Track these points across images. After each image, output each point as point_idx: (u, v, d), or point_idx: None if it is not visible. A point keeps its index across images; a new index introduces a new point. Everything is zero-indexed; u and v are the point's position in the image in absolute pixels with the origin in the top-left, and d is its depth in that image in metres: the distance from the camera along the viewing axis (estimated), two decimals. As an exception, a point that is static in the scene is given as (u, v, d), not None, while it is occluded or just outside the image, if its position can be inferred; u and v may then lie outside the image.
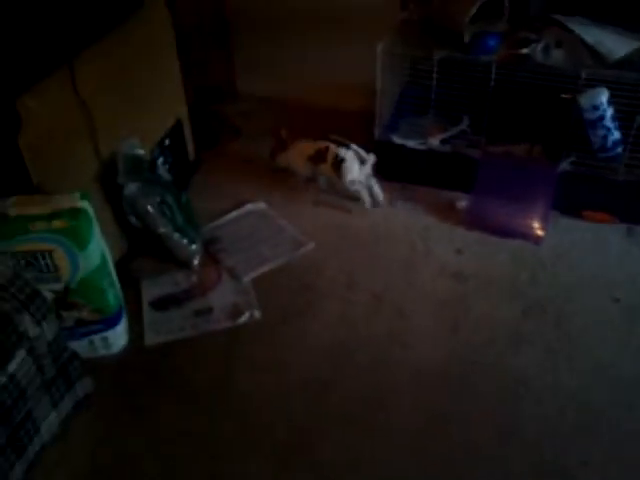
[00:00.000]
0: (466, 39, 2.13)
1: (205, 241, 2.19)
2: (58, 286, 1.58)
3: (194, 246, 2.09)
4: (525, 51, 2.08)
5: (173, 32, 2.25)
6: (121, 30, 1.90)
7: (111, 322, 1.72)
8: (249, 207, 2.36)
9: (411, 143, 2.44)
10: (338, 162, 2.24)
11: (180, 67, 2.36)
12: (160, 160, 2.33)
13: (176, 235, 2.04)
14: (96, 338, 1.73)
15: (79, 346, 1.72)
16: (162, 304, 1.95)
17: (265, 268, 2.07)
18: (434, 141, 2.35)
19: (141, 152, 2.03)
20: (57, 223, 1.46)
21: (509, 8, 2.17)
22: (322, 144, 2.33)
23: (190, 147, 2.53)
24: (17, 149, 1.52)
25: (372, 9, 2.66)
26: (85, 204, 1.52)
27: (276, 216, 2.31)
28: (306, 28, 2.87)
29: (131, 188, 1.90)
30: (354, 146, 2.29)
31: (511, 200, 2.25)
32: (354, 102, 2.86)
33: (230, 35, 3.01)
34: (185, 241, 2.07)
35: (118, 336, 1.77)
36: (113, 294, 1.69)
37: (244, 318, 1.88)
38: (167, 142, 2.37)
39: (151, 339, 1.84)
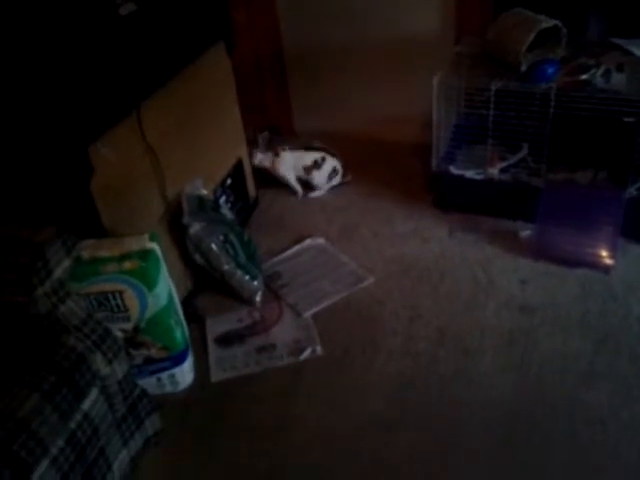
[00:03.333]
0: (523, 68, 2.11)
1: (267, 277, 2.22)
2: (128, 325, 1.63)
3: (256, 283, 2.12)
4: (585, 77, 2.03)
5: (233, 76, 2.33)
6: (184, 75, 1.98)
7: (178, 359, 1.76)
8: (308, 242, 2.39)
9: (469, 173, 2.42)
10: (335, 173, 2.63)
11: (240, 108, 2.43)
12: (222, 199, 2.40)
13: (239, 272, 2.08)
14: (164, 376, 1.77)
15: (147, 384, 1.77)
16: (226, 341, 1.98)
17: (326, 303, 2.08)
18: (493, 171, 2.32)
19: (204, 192, 2.09)
20: (127, 265, 1.52)
21: (567, 34, 2.13)
22: (317, 155, 2.61)
23: (250, 185, 2.59)
24: (89, 194, 1.59)
25: (426, 43, 2.69)
26: (154, 245, 1.58)
27: (335, 251, 2.32)
28: (361, 63, 2.93)
29: (195, 227, 1.96)
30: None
31: (577, 228, 2.18)
32: (410, 134, 2.89)
33: (287, 74, 3.09)
34: (247, 278, 2.10)
35: (185, 373, 1.80)
36: (180, 332, 1.73)
37: (306, 354, 1.89)
38: (229, 181, 2.44)
39: (217, 376, 1.86)
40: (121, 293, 1.56)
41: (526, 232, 2.27)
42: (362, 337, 1.94)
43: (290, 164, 2.64)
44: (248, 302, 2.12)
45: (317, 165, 2.61)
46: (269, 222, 2.57)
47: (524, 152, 2.43)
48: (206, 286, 2.17)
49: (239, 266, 2.08)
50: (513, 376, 1.76)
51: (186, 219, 1.92)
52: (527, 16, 2.14)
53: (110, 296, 1.56)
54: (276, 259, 2.32)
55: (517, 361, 1.80)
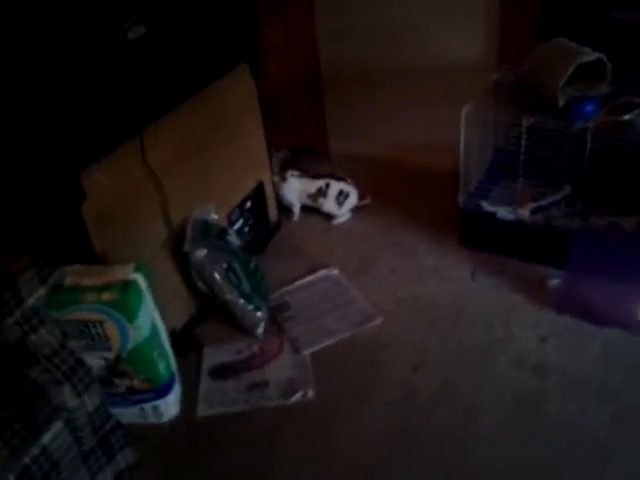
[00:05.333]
0: (560, 103, 1.94)
1: (273, 306, 2.15)
2: (109, 354, 1.60)
3: (259, 314, 2.05)
4: (627, 117, 1.85)
5: (257, 99, 2.28)
6: (200, 98, 1.95)
7: (161, 392, 1.71)
8: (322, 273, 2.30)
9: (502, 211, 2.26)
10: (344, 197, 2.56)
11: (271, 128, 2.38)
12: (239, 222, 2.36)
13: (242, 302, 2.02)
14: (147, 406, 1.73)
15: (130, 413, 1.74)
16: (220, 373, 1.93)
17: (328, 342, 1.99)
18: (523, 212, 2.16)
19: (214, 218, 2.05)
20: (106, 295, 1.49)
21: (612, 69, 1.95)
22: (321, 182, 2.57)
23: (272, 209, 2.53)
24: (80, 219, 1.57)
25: (467, 69, 2.55)
26: (137, 276, 1.54)
27: (349, 285, 2.22)
28: (398, 87, 2.82)
29: (198, 255, 1.91)
30: (349, 180, 2.61)
31: (611, 281, 1.98)
32: (446, 164, 2.73)
33: (323, 94, 3.02)
34: (251, 308, 2.04)
35: (169, 405, 1.75)
36: (164, 365, 1.69)
37: (297, 397, 1.80)
38: (248, 205, 2.39)
39: (203, 410, 1.81)
40: (101, 323, 1.53)
41: (555, 281, 2.09)
42: (359, 383, 1.83)
43: (296, 190, 2.59)
44: (250, 333, 2.06)
45: (322, 192, 2.55)
46: (287, 248, 2.50)
47: (564, 192, 2.25)
48: (210, 312, 2.12)
49: (242, 296, 2.02)
50: (515, 444, 1.61)
51: (187, 246, 1.88)
52: (567, 47, 1.97)
53: (91, 325, 1.54)
54: (287, 288, 2.25)
55: (521, 427, 1.64)
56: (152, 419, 1.76)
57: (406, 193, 2.75)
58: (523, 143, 1.96)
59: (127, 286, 1.52)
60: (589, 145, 1.83)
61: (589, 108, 1.88)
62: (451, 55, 2.58)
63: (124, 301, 1.51)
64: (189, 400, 1.84)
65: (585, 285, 2.03)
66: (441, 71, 2.63)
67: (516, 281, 2.14)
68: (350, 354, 1.93)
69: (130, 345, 1.58)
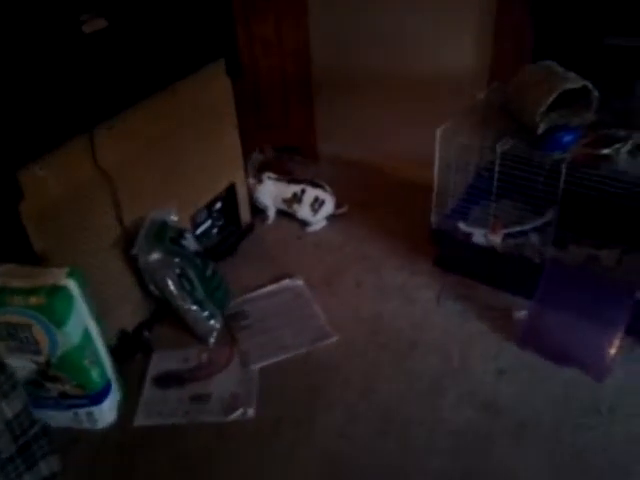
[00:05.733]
0: (539, 131, 1.84)
1: (231, 315, 2.09)
2: (40, 358, 1.55)
3: (212, 322, 2.00)
4: (606, 151, 1.75)
5: (233, 98, 2.20)
6: (166, 96, 1.88)
7: (95, 399, 1.66)
8: (286, 283, 2.23)
9: (478, 233, 2.17)
10: (319, 204, 2.49)
11: (249, 130, 2.30)
12: (207, 223, 2.30)
13: (194, 309, 1.96)
14: (81, 412, 1.68)
15: (64, 417, 1.70)
16: (164, 381, 1.87)
17: (279, 357, 1.92)
18: (495, 238, 2.07)
19: (174, 219, 1.99)
20: (33, 300, 1.43)
21: (598, 97, 1.84)
22: (297, 187, 2.50)
23: (244, 211, 2.47)
24: (17, 217, 1.51)
25: (458, 83, 2.46)
26: (69, 281, 1.48)
27: (310, 297, 2.16)
28: (390, 94, 2.74)
29: (148, 259, 1.85)
30: (327, 187, 2.54)
31: (579, 319, 1.90)
32: (432, 177, 2.65)
33: (312, 95, 2.93)
34: (204, 316, 1.98)
35: (104, 413, 1.70)
36: (98, 373, 1.63)
37: (237, 414, 1.74)
38: (218, 206, 2.33)
39: (140, 420, 1.76)
40: (29, 327, 1.48)
41: (521, 312, 2.01)
42: (302, 405, 1.77)
43: (271, 194, 2.53)
44: (202, 341, 2.00)
45: (297, 198, 2.49)
46: (257, 252, 2.44)
47: (546, 218, 2.16)
48: (166, 316, 2.06)
49: (196, 302, 1.96)
50: (452, 486, 1.54)
51: (135, 249, 1.82)
52: (553, 72, 1.87)
53: (19, 328, 1.48)
54: (248, 296, 2.19)
55: (463, 470, 1.57)
56: (86, 425, 1.72)
57: (386, 204, 2.67)
58: (496, 169, 1.87)
59: (56, 291, 1.46)
60: (563, 178, 1.74)
61: (567, 138, 1.79)
62: (443, 67, 2.49)
63: (52, 307, 1.45)
64: (129, 407, 1.79)
65: (550, 320, 1.94)
66: (433, 83, 2.54)
67: (483, 308, 2.06)
68: (299, 373, 1.87)
69: (59, 351, 1.53)
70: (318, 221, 2.53)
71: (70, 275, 1.50)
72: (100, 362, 1.65)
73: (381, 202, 2.70)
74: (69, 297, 1.48)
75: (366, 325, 2.04)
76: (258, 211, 2.60)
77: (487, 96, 2.13)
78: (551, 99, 1.79)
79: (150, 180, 1.91)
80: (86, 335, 1.57)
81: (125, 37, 1.68)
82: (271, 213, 2.58)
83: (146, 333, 2.02)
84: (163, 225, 1.92)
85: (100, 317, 1.77)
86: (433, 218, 2.17)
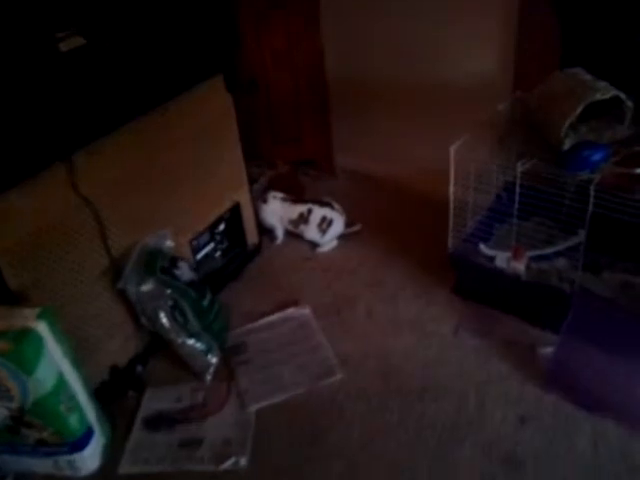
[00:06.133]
0: (564, 147, 1.64)
1: (230, 347, 1.96)
2: (12, 404, 1.44)
3: (209, 356, 1.86)
4: (641, 172, 1.54)
5: (234, 114, 2.06)
6: (158, 116, 1.76)
7: (76, 447, 1.55)
8: (291, 311, 2.08)
9: (501, 256, 1.98)
10: (327, 224, 2.33)
11: (243, 149, 2.17)
12: (210, 246, 2.17)
13: (190, 343, 1.83)
14: (61, 459, 1.56)
15: (44, 465, 1.58)
16: (155, 423, 1.75)
17: (279, 398, 1.78)
18: (518, 266, 1.87)
19: (170, 245, 1.86)
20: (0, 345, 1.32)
21: (633, 109, 1.63)
22: (303, 207, 2.36)
23: (250, 232, 2.33)
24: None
25: (481, 94, 2.25)
26: (39, 324, 1.37)
27: (316, 328, 2.00)
28: (409, 106, 2.56)
29: (137, 291, 1.73)
30: (337, 205, 2.39)
31: (612, 359, 1.68)
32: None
33: (329, 107, 2.77)
34: (200, 350, 1.85)
35: (86, 460, 1.59)
36: (77, 418, 1.51)
37: (229, 463, 1.60)
38: (221, 227, 2.19)
39: (125, 467, 1.63)
40: (-3, 373, 1.36)
41: (547, 349, 1.80)
42: (299, 454, 1.62)
43: (277, 214, 2.39)
44: (198, 377, 1.86)
45: (303, 218, 2.34)
46: (263, 276, 2.29)
47: (578, 239, 1.95)
48: (161, 347, 1.93)
49: (191, 335, 1.83)
50: None
51: (122, 282, 1.69)
52: (581, 81, 1.67)
53: (-13, 374, 1.37)
54: (250, 326, 2.05)
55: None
56: (68, 472, 1.60)
57: (403, 223, 2.50)
58: (517, 190, 1.67)
59: (24, 336, 1.34)
60: (592, 201, 1.53)
61: (597, 157, 1.58)
62: (463, 77, 2.29)
63: (19, 352, 1.34)
64: (116, 451, 1.67)
65: (579, 359, 1.73)
66: (452, 93, 2.35)
67: (504, 344, 1.87)
68: (298, 416, 1.72)
69: (31, 398, 1.41)
70: (328, 242, 2.37)
71: (40, 316, 1.38)
72: (79, 407, 1.53)
73: (398, 220, 2.52)
74: (38, 341, 1.37)
75: (374, 362, 1.86)
76: (267, 231, 2.46)
77: (508, 107, 1.93)
78: (578, 112, 1.59)
79: (140, 205, 1.79)
80: (60, 380, 1.44)
81: (106, 55, 1.56)
82: (279, 233, 2.44)
83: (139, 368, 1.90)
84: (154, 253, 1.79)
85: (86, 355, 1.68)
86: (450, 242, 1.97)
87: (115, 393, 1.84)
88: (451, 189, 1.85)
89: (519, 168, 1.64)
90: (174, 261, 1.83)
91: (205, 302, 1.87)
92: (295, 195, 2.60)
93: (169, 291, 1.77)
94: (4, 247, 1.44)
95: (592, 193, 1.53)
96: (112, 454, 1.66)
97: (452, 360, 1.84)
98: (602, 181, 1.53)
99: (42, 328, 1.38)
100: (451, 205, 1.90)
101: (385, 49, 2.47)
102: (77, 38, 1.48)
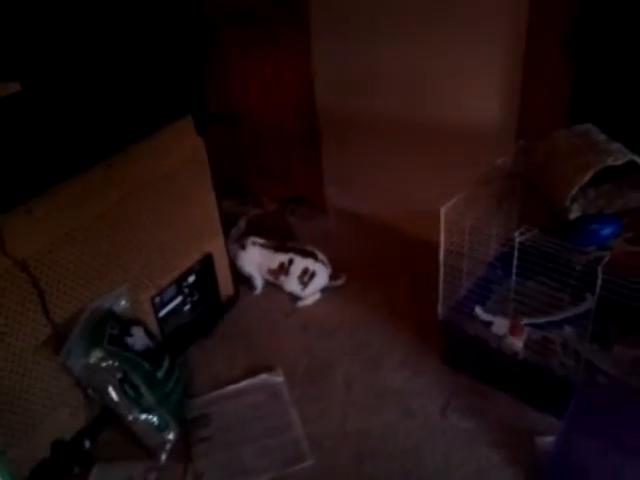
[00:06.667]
0: (570, 217, 1.43)
1: (191, 420, 1.76)
2: None
3: (165, 433, 1.66)
4: (659, 253, 1.32)
5: (205, 159, 1.88)
6: (113, 164, 1.58)
7: None
8: (263, 378, 1.89)
9: (499, 322, 1.77)
10: (309, 276, 2.14)
11: (217, 197, 1.97)
12: (177, 300, 1.97)
13: (142, 418, 1.64)
14: None
15: None
16: (98, 511, 1.54)
17: (239, 486, 1.56)
18: (516, 342, 1.65)
19: (123, 305, 1.68)
20: None
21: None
22: (284, 257, 2.16)
23: (224, 284, 2.13)
24: None
25: (480, 139, 2.05)
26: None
27: (288, 400, 1.80)
28: (407, 146, 2.36)
29: (82, 363, 1.53)
30: (321, 255, 2.19)
31: (624, 454, 1.46)
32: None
33: (320, 141, 2.58)
34: (154, 425, 1.65)
35: None
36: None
37: None
38: (191, 279, 2.00)
39: None
40: None
41: (547, 439, 1.58)
42: None
43: (255, 262, 2.20)
44: (152, 455, 1.66)
45: (284, 269, 2.15)
46: (235, 334, 2.10)
47: (586, 306, 1.73)
48: (113, 419, 1.73)
49: (144, 411, 1.63)
50: None
51: (63, 355, 1.50)
52: (592, 142, 1.46)
53: None
54: (216, 393, 1.85)
55: None
56: None
57: (394, 273, 2.29)
58: (514, 262, 1.46)
59: None
60: (599, 283, 1.32)
61: (606, 231, 1.37)
62: (463, 118, 2.10)
63: None
64: None
65: (584, 454, 1.51)
66: (451, 135, 2.15)
67: (497, 428, 1.65)
68: (259, 512, 1.50)
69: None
70: (310, 294, 2.16)
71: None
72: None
73: (388, 269, 2.32)
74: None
75: (351, 445, 1.65)
76: (245, 278, 2.26)
77: (510, 161, 1.72)
78: (586, 179, 1.38)
79: (90, 264, 1.60)
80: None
81: (46, 102, 1.38)
82: (258, 283, 2.24)
83: (87, 442, 1.70)
84: (103, 319, 1.60)
85: (25, 430, 1.52)
86: (440, 308, 1.76)
87: (60, 469, 1.64)
88: (441, 254, 1.64)
89: (517, 238, 1.43)
90: (126, 327, 1.64)
91: (160, 373, 1.68)
92: (281, 236, 2.41)
93: (117, 364, 1.57)
94: None
95: (600, 275, 1.31)
96: None
97: (437, 446, 1.62)
98: (612, 260, 1.31)
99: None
100: (441, 270, 1.68)
101: (380, 82, 2.27)
102: (11, 84, 1.30)
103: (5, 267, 1.39)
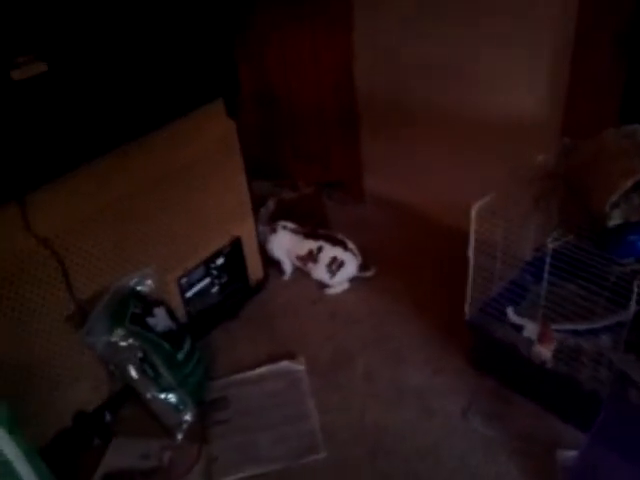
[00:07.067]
0: (608, 224, 1.35)
1: (210, 402, 1.77)
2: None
3: (182, 413, 1.68)
4: None
5: (236, 142, 1.86)
6: (143, 146, 1.58)
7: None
8: (284, 365, 1.88)
9: (531, 327, 1.70)
10: (337, 265, 2.10)
11: (248, 180, 1.95)
12: (205, 282, 1.98)
13: (161, 398, 1.66)
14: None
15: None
16: (112, 483, 1.58)
17: (250, 472, 1.58)
18: (545, 350, 1.58)
19: (149, 285, 1.69)
20: None
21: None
22: (313, 244, 2.11)
23: (253, 268, 2.12)
24: None
25: (528, 131, 1.96)
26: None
27: (307, 390, 1.79)
28: (449, 136, 2.27)
29: (103, 341, 1.56)
30: (351, 244, 2.14)
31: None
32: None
33: (359, 125, 2.52)
34: (172, 405, 1.67)
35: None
36: (11, 485, 1.35)
37: None
38: (220, 261, 2.00)
39: (70, 537, 1.47)
40: None
41: (569, 454, 1.52)
42: None
43: (285, 247, 2.17)
44: (169, 433, 1.69)
45: (312, 256, 2.11)
46: (261, 318, 2.10)
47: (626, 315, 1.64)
48: (135, 395, 1.76)
49: (162, 390, 1.65)
50: None
51: (83, 334, 1.53)
52: (638, 144, 1.35)
53: None
54: (235, 377, 1.86)
55: None
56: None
57: (426, 265, 2.24)
58: (546, 267, 1.39)
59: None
60: (635, 297, 1.23)
61: (647, 243, 1.28)
62: (508, 112, 1.99)
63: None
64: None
65: (608, 471, 1.44)
66: (494, 128, 2.06)
67: (518, 436, 1.60)
68: (268, 501, 1.51)
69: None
70: (338, 283, 2.13)
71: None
72: (13, 474, 1.36)
73: (421, 261, 2.26)
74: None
75: (366, 441, 1.63)
76: (275, 262, 2.25)
77: (552, 159, 1.63)
78: (629, 184, 1.28)
79: (115, 243, 1.62)
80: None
81: (74, 82, 1.37)
82: (287, 268, 2.22)
83: (108, 416, 1.74)
84: (126, 299, 1.62)
85: (48, 399, 1.57)
86: (467, 308, 1.70)
87: (80, 439, 1.69)
88: (471, 253, 1.57)
89: (550, 244, 1.35)
90: (149, 308, 1.65)
91: (181, 355, 1.68)
92: (316, 221, 2.38)
93: (138, 343, 1.59)
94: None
95: (636, 289, 1.23)
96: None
97: (455, 450, 1.58)
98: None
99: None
100: (470, 269, 1.62)
101: (422, 68, 2.18)
102: (37, 64, 1.30)
103: (30, 244, 1.41)
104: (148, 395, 1.65)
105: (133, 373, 1.62)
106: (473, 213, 1.49)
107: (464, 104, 2.13)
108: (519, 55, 1.85)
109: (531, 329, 1.69)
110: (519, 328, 1.72)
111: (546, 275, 1.43)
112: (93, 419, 1.72)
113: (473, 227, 1.52)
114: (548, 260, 1.37)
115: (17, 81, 1.27)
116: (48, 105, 1.33)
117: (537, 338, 1.58)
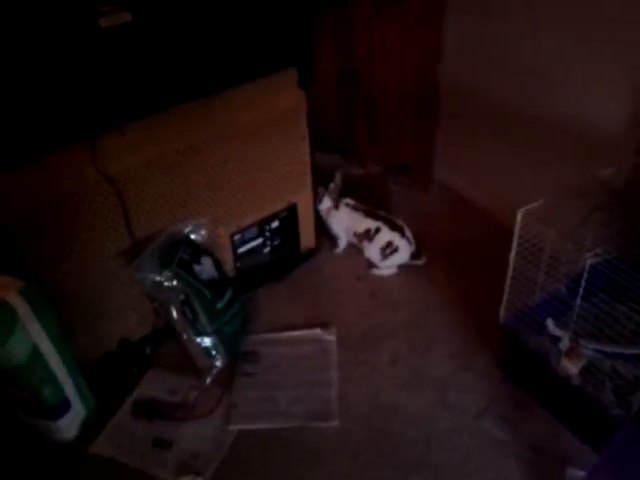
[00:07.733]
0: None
1: (243, 354, 1.88)
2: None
3: (214, 359, 1.80)
4: None
5: (304, 113, 1.92)
6: (216, 103, 1.68)
7: (49, 415, 1.57)
8: (317, 333, 1.96)
9: (567, 340, 1.67)
10: (391, 250, 2.13)
11: (311, 152, 2.02)
12: (258, 241, 2.08)
13: (197, 340, 1.78)
14: (39, 421, 1.60)
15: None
16: (141, 409, 1.74)
17: (265, 425, 1.67)
18: (571, 367, 1.56)
19: (202, 234, 1.81)
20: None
21: None
22: (372, 223, 2.15)
23: (306, 235, 2.20)
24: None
25: (609, 139, 1.89)
26: (16, 299, 1.37)
27: (334, 361, 1.86)
28: (525, 137, 2.22)
29: (149, 279, 1.69)
30: (408, 232, 2.15)
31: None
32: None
33: (437, 114, 2.51)
34: (206, 350, 1.79)
35: (60, 429, 1.62)
36: (51, 391, 1.53)
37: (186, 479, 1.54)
38: (275, 224, 2.09)
39: (97, 448, 1.64)
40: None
41: (578, 474, 1.51)
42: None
43: (344, 224, 2.22)
44: (199, 375, 1.81)
45: (368, 235, 2.14)
46: (305, 285, 2.17)
47: None
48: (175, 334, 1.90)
49: (198, 334, 1.77)
50: None
51: (133, 270, 1.66)
52: None
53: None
54: (269, 336, 1.95)
55: None
56: (45, 433, 1.64)
57: (477, 264, 2.22)
58: (582, 283, 1.37)
59: (-4, 308, 1.34)
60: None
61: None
62: (584, 120, 1.92)
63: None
64: (97, 424, 1.68)
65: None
66: (574, 135, 1.99)
67: (529, 445, 1.59)
68: (275, 455, 1.60)
69: (5, 364, 1.43)
70: (387, 266, 2.17)
71: (22, 292, 1.38)
72: (54, 380, 1.53)
73: (473, 259, 2.25)
74: (11, 316, 1.37)
75: (377, 418, 1.69)
76: (331, 235, 2.31)
77: (616, 174, 1.58)
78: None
79: (176, 191, 1.73)
80: (35, 355, 1.45)
81: (154, 34, 1.47)
82: (342, 243, 2.28)
83: (148, 348, 1.89)
84: (178, 243, 1.73)
85: (99, 322, 1.73)
86: (502, 312, 1.70)
87: (121, 364, 1.85)
88: (511, 257, 1.57)
89: (588, 259, 1.33)
90: (197, 255, 1.76)
91: (220, 304, 1.79)
92: (375, 200, 2.41)
93: (180, 286, 1.71)
94: (15, 220, 1.45)
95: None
96: (93, 428, 1.67)
97: (462, 445, 1.61)
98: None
99: (18, 302, 1.37)
100: (509, 273, 1.61)
101: (510, 67, 2.13)
102: (122, 14, 1.40)
103: (95, 180, 1.54)
104: (185, 336, 1.77)
105: (174, 313, 1.74)
106: (518, 217, 1.48)
107: (544, 107, 2.07)
108: (611, 68, 1.78)
109: (566, 342, 1.67)
110: (556, 340, 1.70)
111: (581, 291, 1.40)
112: (135, 349, 1.87)
113: (517, 231, 1.51)
114: (585, 275, 1.35)
115: (104, 28, 1.38)
116: (130, 53, 1.44)
117: (565, 352, 1.56)
